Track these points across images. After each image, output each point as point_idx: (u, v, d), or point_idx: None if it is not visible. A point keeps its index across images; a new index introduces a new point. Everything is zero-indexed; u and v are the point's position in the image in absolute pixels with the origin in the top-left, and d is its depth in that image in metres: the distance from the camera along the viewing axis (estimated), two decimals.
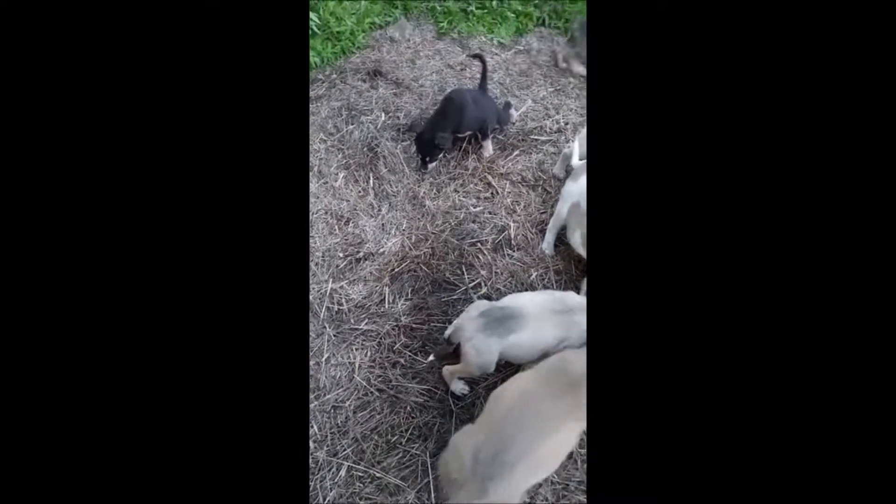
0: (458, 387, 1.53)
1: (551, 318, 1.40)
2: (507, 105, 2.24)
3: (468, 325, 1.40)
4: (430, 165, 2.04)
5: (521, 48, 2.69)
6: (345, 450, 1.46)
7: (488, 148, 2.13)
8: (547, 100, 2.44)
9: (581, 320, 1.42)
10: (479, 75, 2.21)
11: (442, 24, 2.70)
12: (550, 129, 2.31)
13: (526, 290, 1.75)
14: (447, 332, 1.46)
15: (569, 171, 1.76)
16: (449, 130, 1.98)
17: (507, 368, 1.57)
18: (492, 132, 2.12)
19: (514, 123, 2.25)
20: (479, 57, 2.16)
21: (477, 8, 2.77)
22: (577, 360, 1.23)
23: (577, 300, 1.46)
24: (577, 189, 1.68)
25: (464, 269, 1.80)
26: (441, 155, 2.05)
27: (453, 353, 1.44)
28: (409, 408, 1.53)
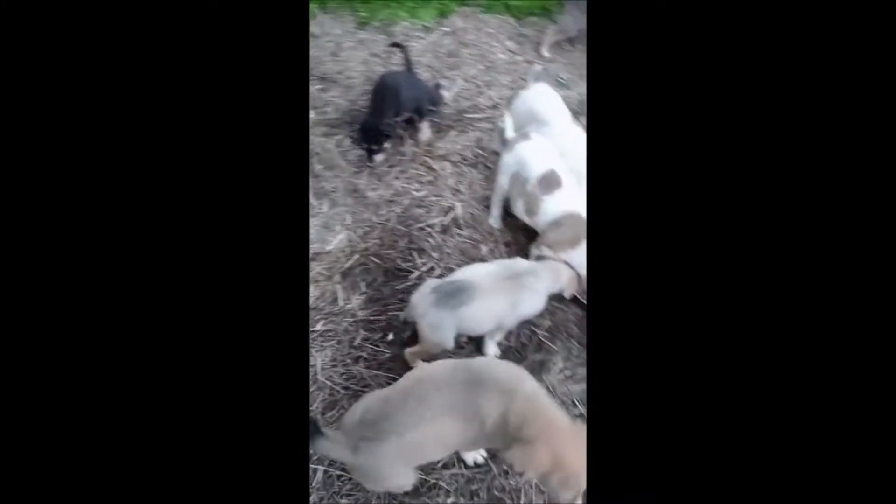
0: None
1: (501, 285, 1.40)
2: (438, 86, 2.21)
3: (420, 302, 1.39)
4: (378, 157, 1.99)
5: (447, 29, 2.67)
6: (318, 454, 1.41)
7: (425, 131, 2.10)
8: (478, 78, 2.44)
9: (530, 282, 1.43)
10: (405, 61, 2.18)
11: (362, 14, 2.63)
12: (485, 105, 2.30)
13: None
14: (402, 314, 1.45)
15: (505, 143, 1.77)
16: (391, 114, 1.94)
17: (472, 345, 1.57)
18: (427, 114, 2.09)
19: (447, 104, 2.23)
20: (397, 45, 2.13)
21: None
22: (491, 365, 1.18)
23: (524, 265, 1.47)
24: (513, 160, 1.69)
25: (415, 255, 1.77)
26: (387, 143, 2.01)
27: (412, 335, 1.43)
28: None
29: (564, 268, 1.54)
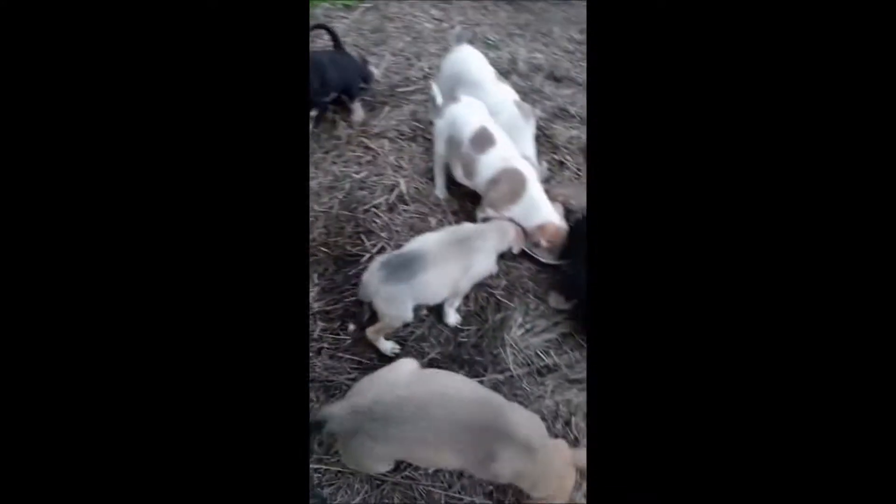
0: (388, 347, 1.50)
1: (450, 250, 1.40)
2: (365, 62, 2.14)
3: (371, 279, 1.37)
4: None
5: (368, 5, 2.57)
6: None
7: (358, 111, 2.03)
8: (406, 50, 2.37)
9: (478, 245, 1.42)
10: (331, 42, 2.09)
11: None
12: (416, 77, 2.25)
13: None
14: (357, 296, 1.43)
15: (436, 110, 1.73)
16: (316, 95, 1.87)
17: (433, 315, 1.56)
18: (358, 93, 2.02)
19: (378, 80, 2.16)
20: (322, 27, 2.04)
21: None
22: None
23: (470, 227, 1.46)
24: (445, 124, 1.66)
25: (363, 238, 1.74)
26: (315, 124, 1.94)
27: (370, 315, 1.41)
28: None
29: (510, 225, 1.54)
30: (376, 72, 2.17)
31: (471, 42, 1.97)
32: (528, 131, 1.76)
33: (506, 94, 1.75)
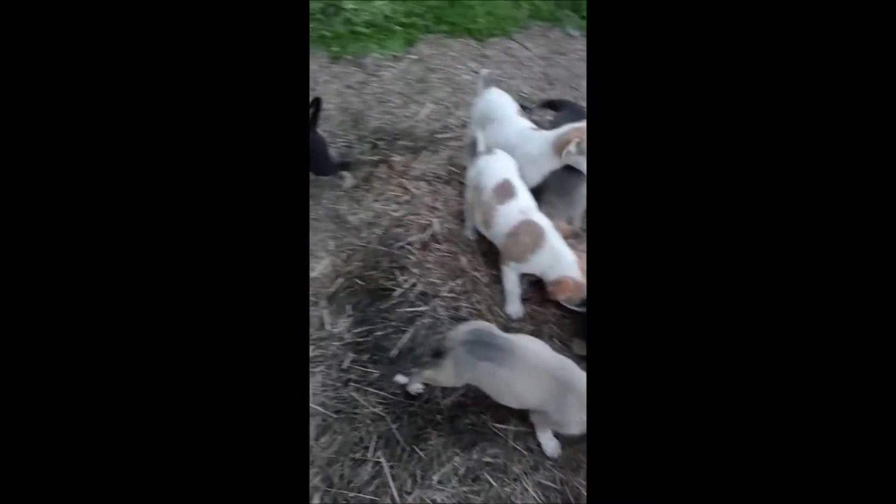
0: (415, 387, 1.44)
1: (544, 377, 1.23)
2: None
3: (457, 335, 1.28)
4: None
5: (415, 57, 2.63)
6: (313, 479, 1.33)
7: (348, 180, 1.92)
8: (446, 100, 2.40)
9: (571, 401, 1.21)
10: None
11: (334, 49, 2.58)
12: (454, 125, 2.26)
13: (457, 277, 1.69)
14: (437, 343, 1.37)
15: (472, 157, 1.71)
16: None
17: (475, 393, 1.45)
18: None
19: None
20: (315, 102, 1.84)
21: (365, 27, 2.68)
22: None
23: (580, 384, 1.22)
24: (475, 172, 1.64)
25: (397, 273, 1.70)
26: None
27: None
28: (368, 420, 1.42)
29: None
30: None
31: (497, 83, 1.97)
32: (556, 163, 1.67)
33: (523, 125, 1.73)
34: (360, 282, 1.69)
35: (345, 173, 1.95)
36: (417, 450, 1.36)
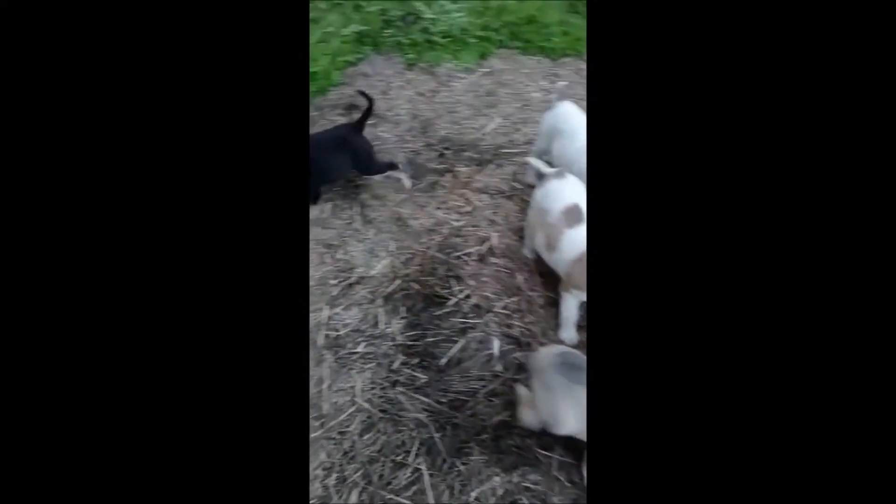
0: (528, 420, 1.34)
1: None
2: (392, 165, 1.99)
3: (543, 358, 1.23)
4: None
5: (486, 70, 2.65)
6: (353, 475, 1.35)
7: (405, 181, 1.98)
8: (514, 115, 2.40)
9: None
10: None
11: (410, 56, 2.65)
12: (520, 141, 2.25)
13: (512, 294, 1.67)
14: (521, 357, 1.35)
15: (540, 178, 1.70)
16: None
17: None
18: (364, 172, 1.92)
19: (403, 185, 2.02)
20: (363, 93, 1.95)
21: (441, 37, 2.73)
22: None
23: None
24: (542, 193, 1.62)
25: (452, 282, 1.71)
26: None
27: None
28: (412, 424, 1.42)
29: None
30: (406, 182, 2.01)
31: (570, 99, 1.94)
32: None
33: None
34: (415, 286, 1.71)
35: (400, 174, 1.99)
36: (458, 463, 1.35)
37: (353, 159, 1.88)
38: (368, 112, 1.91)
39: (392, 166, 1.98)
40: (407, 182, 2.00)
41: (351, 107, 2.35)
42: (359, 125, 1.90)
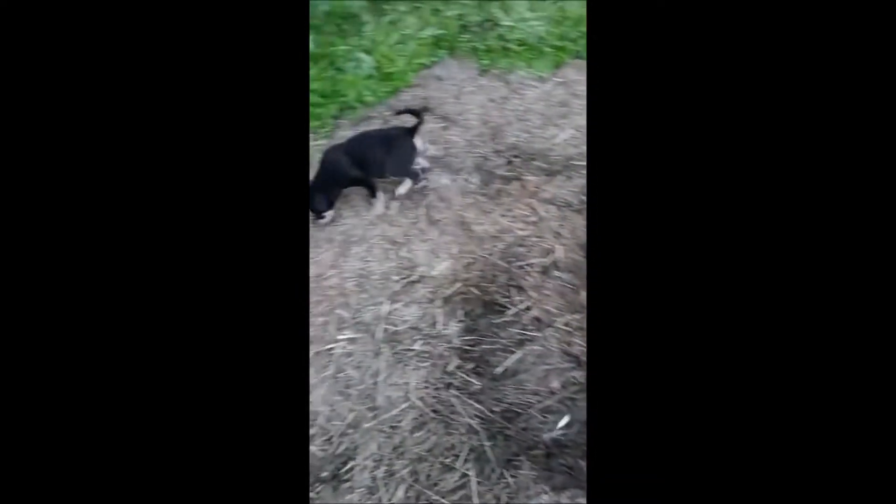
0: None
1: None
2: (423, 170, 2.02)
3: None
4: (327, 216, 1.98)
5: (560, 80, 2.61)
6: (401, 471, 1.37)
7: (402, 187, 2.00)
8: (585, 127, 2.34)
9: None
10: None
11: (484, 62, 2.67)
12: None
13: (575, 311, 1.62)
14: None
15: None
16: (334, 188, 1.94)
17: (577, 436, 1.43)
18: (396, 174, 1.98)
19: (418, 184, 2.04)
20: (413, 112, 2.02)
21: (517, 45, 2.72)
22: None
23: None
24: None
25: (513, 292, 1.69)
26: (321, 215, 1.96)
27: None
28: (463, 429, 1.42)
29: None
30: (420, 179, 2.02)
31: None
32: None
33: None
34: (476, 291, 1.71)
35: (375, 199, 2.02)
36: (507, 475, 1.33)
37: (394, 158, 1.96)
38: (419, 122, 2.00)
39: (372, 187, 2.02)
40: (379, 206, 2.02)
41: (424, 109, 2.39)
42: (413, 133, 1.99)
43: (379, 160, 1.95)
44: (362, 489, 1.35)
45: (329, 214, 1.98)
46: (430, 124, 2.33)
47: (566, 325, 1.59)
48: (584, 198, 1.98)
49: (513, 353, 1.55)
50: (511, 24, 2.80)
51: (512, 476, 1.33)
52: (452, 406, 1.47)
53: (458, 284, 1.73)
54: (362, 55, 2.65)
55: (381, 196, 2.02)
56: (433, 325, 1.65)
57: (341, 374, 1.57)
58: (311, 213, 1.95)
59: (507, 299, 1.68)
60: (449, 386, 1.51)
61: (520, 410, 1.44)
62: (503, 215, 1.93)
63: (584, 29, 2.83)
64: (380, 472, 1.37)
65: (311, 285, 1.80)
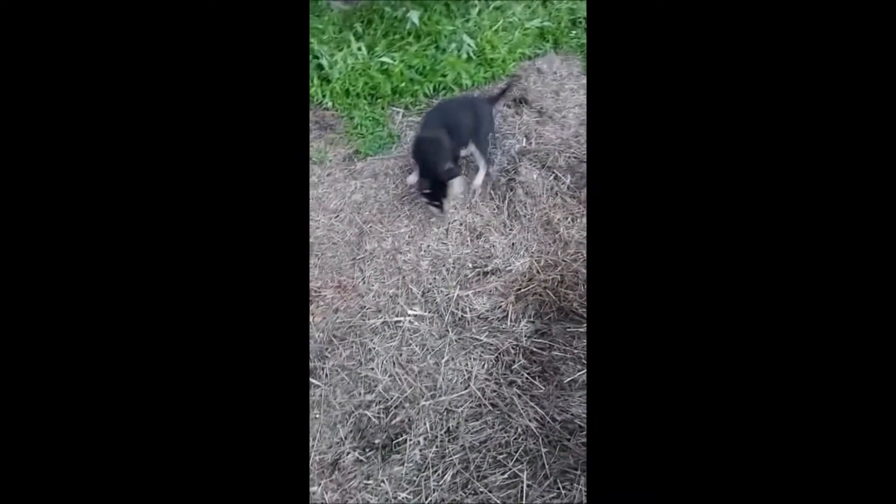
0: None
1: None
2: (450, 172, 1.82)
3: None
4: (445, 205, 1.83)
5: None
6: (452, 455, 1.36)
7: (455, 186, 1.83)
8: None
9: None
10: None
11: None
12: None
13: None
14: None
15: None
16: (443, 163, 1.76)
17: None
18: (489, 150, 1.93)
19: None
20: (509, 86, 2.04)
21: None
22: None
23: None
24: None
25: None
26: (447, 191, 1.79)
27: None
28: (520, 430, 1.39)
29: None
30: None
31: None
32: None
33: None
34: (552, 295, 1.65)
35: (454, 183, 1.88)
36: (559, 485, 1.29)
37: (474, 125, 1.91)
38: (506, 90, 2.03)
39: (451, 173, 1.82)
40: (458, 187, 1.89)
41: (521, 100, 2.33)
42: (494, 99, 2.01)
43: (468, 125, 1.90)
44: (412, 464, 1.36)
45: (457, 188, 1.85)
46: (525, 116, 2.26)
47: None
48: None
49: (585, 365, 1.49)
50: None
51: (564, 488, 1.29)
52: (512, 404, 1.44)
53: (533, 284, 1.69)
54: (465, 37, 2.61)
55: (461, 179, 1.98)
56: (503, 319, 1.62)
57: (405, 349, 1.59)
58: (430, 204, 1.84)
59: (585, 310, 1.61)
60: (511, 384, 1.48)
61: (582, 424, 1.38)
62: None
63: None
64: (431, 452, 1.37)
65: (386, 258, 1.83)
